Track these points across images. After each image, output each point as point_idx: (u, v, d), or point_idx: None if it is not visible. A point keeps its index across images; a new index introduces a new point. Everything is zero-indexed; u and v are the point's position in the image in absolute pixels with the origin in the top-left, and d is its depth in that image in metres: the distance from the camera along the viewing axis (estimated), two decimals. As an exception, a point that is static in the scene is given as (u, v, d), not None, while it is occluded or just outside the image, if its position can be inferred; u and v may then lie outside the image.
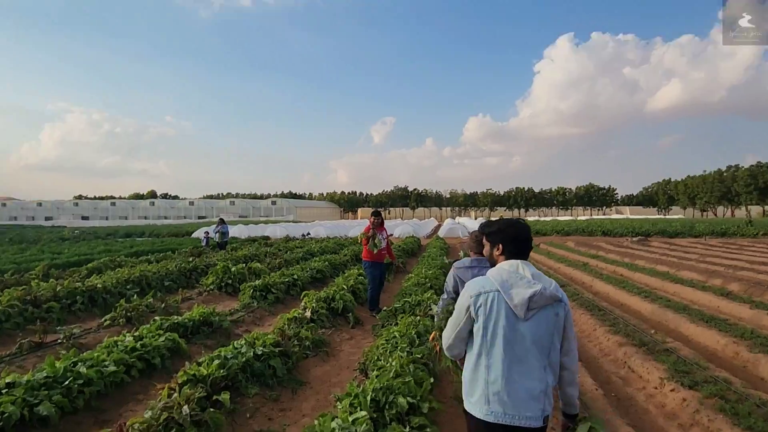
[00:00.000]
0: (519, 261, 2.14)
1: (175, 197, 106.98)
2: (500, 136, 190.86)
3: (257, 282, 8.09)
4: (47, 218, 76.05)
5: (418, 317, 5.42)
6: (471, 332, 2.13)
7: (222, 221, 16.98)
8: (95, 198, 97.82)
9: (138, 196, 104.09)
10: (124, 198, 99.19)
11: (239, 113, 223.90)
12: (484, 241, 2.34)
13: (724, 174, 66.84)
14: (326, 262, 11.70)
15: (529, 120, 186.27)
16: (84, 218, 76.36)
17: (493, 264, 2.25)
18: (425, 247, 20.92)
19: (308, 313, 6.36)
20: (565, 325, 2.09)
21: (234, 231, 29.36)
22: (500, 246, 2.19)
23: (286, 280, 8.92)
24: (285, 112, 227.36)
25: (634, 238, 24.38)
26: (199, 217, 73.65)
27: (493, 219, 2.58)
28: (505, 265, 2.13)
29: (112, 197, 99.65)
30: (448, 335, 2.22)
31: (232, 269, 9.54)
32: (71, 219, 73.35)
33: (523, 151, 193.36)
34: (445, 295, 3.49)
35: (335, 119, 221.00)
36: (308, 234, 28.93)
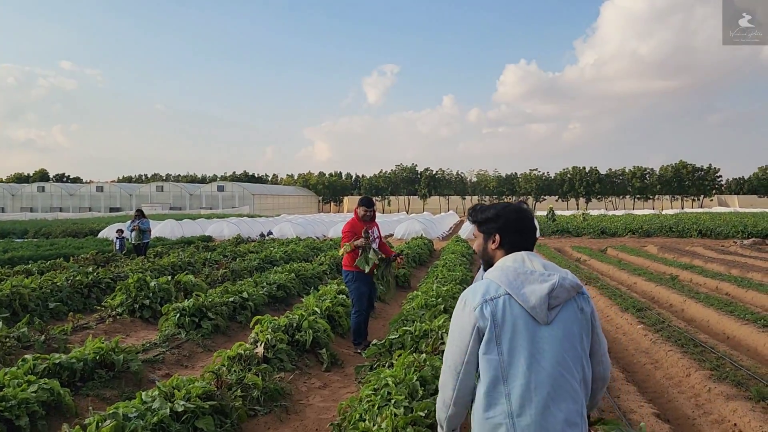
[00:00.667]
0: (524, 253, 2.32)
1: (76, 180, 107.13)
2: (551, 92, 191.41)
3: (187, 303, 7.90)
4: None
5: (424, 355, 5.25)
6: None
7: (140, 214, 16.82)
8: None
9: (21, 178, 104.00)
10: (1, 181, 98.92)
11: (172, 60, 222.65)
12: (476, 231, 2.50)
13: None
14: (292, 274, 11.56)
15: (592, 70, 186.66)
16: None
17: (488, 262, 2.43)
18: (439, 252, 20.81)
19: (260, 349, 6.18)
20: (593, 323, 2.27)
21: (160, 228, 29.24)
22: (497, 237, 2.37)
23: (231, 299, 8.76)
24: (239, 58, 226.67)
25: (746, 241, 24.36)
26: (112, 209, 73.76)
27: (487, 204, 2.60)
28: (508, 261, 2.30)
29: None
30: (448, 390, 2.28)
31: (151, 284, 9.37)
32: None
33: (583, 114, 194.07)
34: None
35: (312, 68, 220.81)
36: (269, 234, 28.85)
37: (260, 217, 48.20)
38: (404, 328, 6.28)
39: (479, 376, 2.21)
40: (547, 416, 2.06)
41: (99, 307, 9.17)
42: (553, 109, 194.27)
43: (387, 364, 5.77)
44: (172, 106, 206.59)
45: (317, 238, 27.90)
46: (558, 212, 45.48)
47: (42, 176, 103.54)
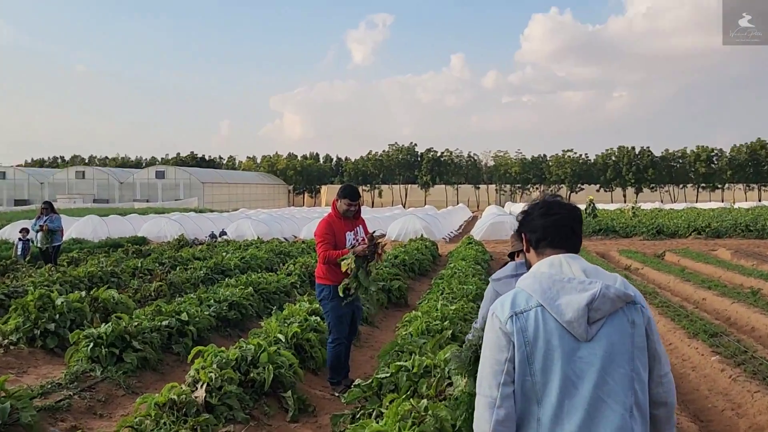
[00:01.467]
0: (561, 256, 2.44)
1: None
2: (590, 51, 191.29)
3: (104, 329, 7.58)
4: None
5: (425, 401, 4.95)
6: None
7: (49, 208, 16.48)
8: None
9: None
10: None
11: (100, 10, 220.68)
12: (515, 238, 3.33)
13: None
14: (249, 288, 11.27)
15: (644, 22, 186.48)
16: None
17: (529, 268, 2.57)
18: (446, 258, 20.54)
19: (201, 393, 5.86)
20: (649, 337, 2.35)
21: (79, 227, 28.84)
22: (525, 237, 2.61)
23: (166, 323, 8.44)
24: (187, 9, 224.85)
25: None
26: (17, 201, 73.12)
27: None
28: (543, 266, 2.43)
29: None
30: (483, 425, 2.33)
31: (58, 302, 9.03)
32: None
33: (632, 79, 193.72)
34: (477, 324, 4.06)
35: (281, 21, 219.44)
36: (222, 234, 28.55)
37: (212, 212, 47.93)
38: (398, 362, 5.97)
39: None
40: None
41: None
42: (592, 73, 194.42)
43: (374, 413, 5.48)
44: (99, 69, 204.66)
45: (286, 239, 27.63)
46: (600, 206, 45.47)
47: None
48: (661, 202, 75.09)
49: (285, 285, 12.66)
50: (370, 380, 5.94)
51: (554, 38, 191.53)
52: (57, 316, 8.93)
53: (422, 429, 4.48)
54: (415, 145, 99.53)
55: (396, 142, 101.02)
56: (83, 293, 9.88)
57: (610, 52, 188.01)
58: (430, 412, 4.73)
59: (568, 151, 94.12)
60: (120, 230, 30.30)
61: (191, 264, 15.49)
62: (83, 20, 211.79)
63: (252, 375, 6.48)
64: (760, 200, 76.22)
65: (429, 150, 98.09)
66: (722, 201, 75.26)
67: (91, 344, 7.46)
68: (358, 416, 5.68)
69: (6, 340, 8.50)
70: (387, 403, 5.40)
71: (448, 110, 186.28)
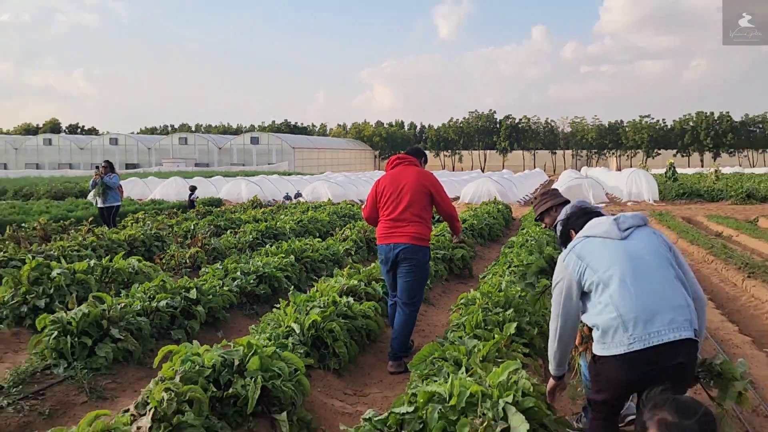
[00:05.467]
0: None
1: (91, 131, 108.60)
2: (670, 20, 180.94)
3: (72, 315, 5.55)
4: None
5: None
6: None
7: (109, 166, 14.76)
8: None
9: (29, 130, 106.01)
10: (7, 132, 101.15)
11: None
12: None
13: None
14: (291, 257, 9.14)
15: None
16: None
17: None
18: (519, 222, 18.15)
19: (144, 423, 3.74)
20: (673, 250, 3.24)
21: (163, 189, 27.56)
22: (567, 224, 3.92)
23: (164, 303, 6.42)
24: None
25: None
26: (128, 165, 73.52)
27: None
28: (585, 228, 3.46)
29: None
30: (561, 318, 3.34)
31: (54, 274, 7.11)
32: None
33: (711, 48, 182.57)
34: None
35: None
36: (298, 195, 26.58)
37: (299, 175, 46.24)
38: (428, 388, 3.67)
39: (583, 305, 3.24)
40: (650, 300, 2.90)
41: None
42: (672, 41, 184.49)
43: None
44: (207, 45, 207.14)
45: (358, 202, 25.48)
46: (679, 170, 41.65)
47: (53, 127, 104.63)
48: (740, 166, 69.55)
49: (336, 252, 10.50)
50: (385, 416, 3.66)
51: (634, 9, 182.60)
52: (52, 290, 7.03)
53: None
54: (494, 112, 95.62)
55: (476, 110, 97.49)
56: (92, 262, 7.97)
57: (690, 20, 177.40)
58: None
59: (645, 116, 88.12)
60: (203, 192, 28.71)
61: (245, 227, 13.44)
62: (186, 4, 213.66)
63: (235, 389, 4.31)
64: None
65: (507, 117, 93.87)
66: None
67: (55, 332, 5.47)
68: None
69: (-16, 318, 6.65)
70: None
71: (529, 81, 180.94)
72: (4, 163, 78.59)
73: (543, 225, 5.65)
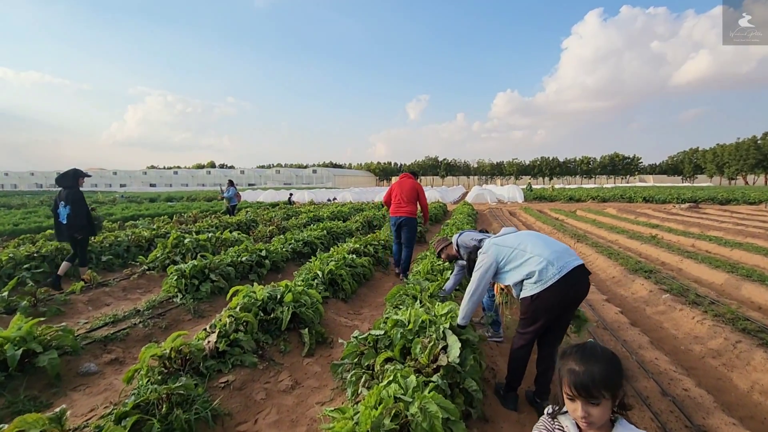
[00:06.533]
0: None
1: (231, 167, 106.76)
2: (527, 110, 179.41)
3: (186, 265, 4.74)
4: (122, 185, 76.73)
5: (413, 377, 1.91)
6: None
7: (229, 183, 13.81)
8: (164, 168, 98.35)
9: (199, 167, 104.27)
10: (188, 168, 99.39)
11: (291, 93, 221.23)
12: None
13: (759, 141, 58.52)
14: (324, 231, 8.28)
15: (555, 95, 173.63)
16: (152, 185, 76.66)
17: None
18: (451, 213, 17.22)
19: (212, 339, 2.94)
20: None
21: (265, 196, 26.47)
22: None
23: (245, 258, 5.56)
24: (331, 92, 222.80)
25: (683, 205, 19.56)
26: (249, 185, 71.88)
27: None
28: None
29: (178, 167, 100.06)
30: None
31: (186, 240, 6.27)
32: (141, 186, 73.74)
33: (548, 124, 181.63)
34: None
35: (375, 97, 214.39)
36: (334, 198, 25.63)
37: (337, 189, 45.07)
38: (394, 316, 2.89)
39: (510, 269, 2.56)
40: (555, 246, 2.52)
41: (133, 263, 6.17)
42: (527, 121, 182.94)
43: (365, 382, 2.48)
44: (290, 121, 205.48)
45: (366, 202, 24.49)
46: (534, 186, 40.75)
47: (211, 165, 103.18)
48: (564, 185, 68.56)
49: (349, 229, 9.63)
50: (365, 335, 2.88)
51: (508, 104, 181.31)
52: (184, 251, 6.20)
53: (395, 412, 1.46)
54: (437, 156, 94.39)
55: (428, 155, 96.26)
56: (210, 234, 7.11)
57: (538, 111, 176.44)
58: (416, 404, 1.67)
59: (515, 159, 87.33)
60: (282, 197, 27.70)
61: (301, 215, 12.53)
62: (289, 97, 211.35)
63: (276, 313, 3.52)
64: (614, 184, 68.64)
65: (444, 159, 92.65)
66: (595, 184, 68.05)
67: (176, 276, 4.65)
68: (352, 375, 2.66)
69: (144, 268, 5.81)
70: (380, 362, 2.39)
71: (455, 141, 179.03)
72: (186, 184, 76.95)
73: (441, 258, 3.64)
